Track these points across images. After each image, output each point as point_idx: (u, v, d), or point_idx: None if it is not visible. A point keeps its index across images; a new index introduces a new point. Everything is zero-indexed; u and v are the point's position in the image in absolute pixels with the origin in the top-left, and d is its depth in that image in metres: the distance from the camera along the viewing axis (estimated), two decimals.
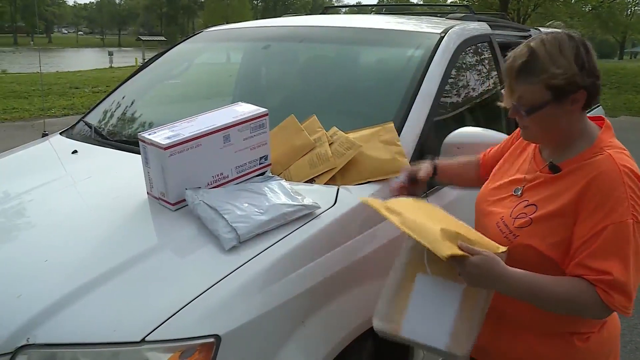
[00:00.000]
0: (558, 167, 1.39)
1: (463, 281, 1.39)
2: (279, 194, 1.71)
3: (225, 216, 1.57)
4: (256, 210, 1.62)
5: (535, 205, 1.40)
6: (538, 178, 1.44)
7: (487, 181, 1.63)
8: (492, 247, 1.36)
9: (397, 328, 1.45)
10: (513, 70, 1.35)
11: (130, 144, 2.26)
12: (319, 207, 1.68)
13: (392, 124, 1.99)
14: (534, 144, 1.52)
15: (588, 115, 1.45)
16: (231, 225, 1.54)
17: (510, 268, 1.32)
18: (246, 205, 1.64)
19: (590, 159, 1.34)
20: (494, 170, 1.64)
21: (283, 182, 1.80)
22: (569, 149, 1.40)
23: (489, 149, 1.81)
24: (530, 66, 1.32)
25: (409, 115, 2.08)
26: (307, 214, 1.65)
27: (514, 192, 1.48)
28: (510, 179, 1.53)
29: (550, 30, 1.43)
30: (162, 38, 54.69)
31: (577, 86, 1.30)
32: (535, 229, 1.37)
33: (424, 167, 1.78)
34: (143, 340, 1.26)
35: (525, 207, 1.42)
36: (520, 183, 1.48)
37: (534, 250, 1.36)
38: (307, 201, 1.67)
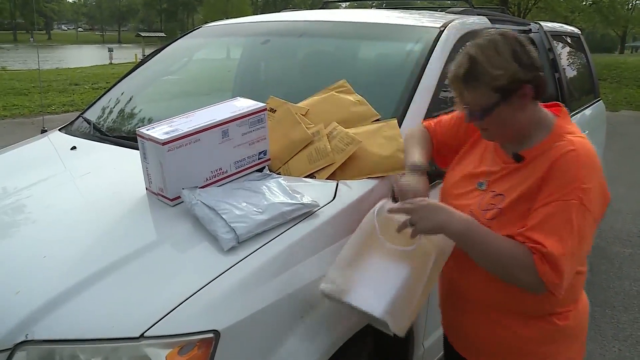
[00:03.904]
0: (521, 156, 1.44)
1: (413, 259, 1.48)
2: (278, 192, 1.70)
3: (224, 216, 1.56)
4: (255, 209, 1.60)
5: (502, 194, 1.44)
6: (503, 170, 1.48)
7: (448, 174, 1.67)
8: None
9: (341, 294, 1.49)
10: (458, 79, 1.40)
11: (129, 140, 2.26)
12: (318, 206, 1.67)
13: (395, 121, 1.99)
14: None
15: (556, 103, 1.51)
16: (230, 226, 1.52)
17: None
18: (244, 204, 1.63)
19: (552, 145, 1.39)
20: (453, 163, 1.67)
21: (281, 180, 1.79)
22: (529, 139, 1.44)
23: (436, 123, 1.83)
24: (472, 73, 1.37)
25: (408, 110, 2.08)
26: (306, 213, 1.64)
27: (478, 186, 1.52)
28: (472, 172, 1.56)
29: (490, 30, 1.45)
30: (162, 34, 54.60)
31: (521, 82, 1.35)
32: (506, 217, 1.41)
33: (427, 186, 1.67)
34: (142, 336, 1.26)
35: (493, 197, 1.46)
36: (484, 177, 1.52)
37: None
38: (306, 200, 1.66)
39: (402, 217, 1.45)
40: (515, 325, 1.49)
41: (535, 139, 1.44)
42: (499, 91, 1.35)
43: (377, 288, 1.49)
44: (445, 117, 1.82)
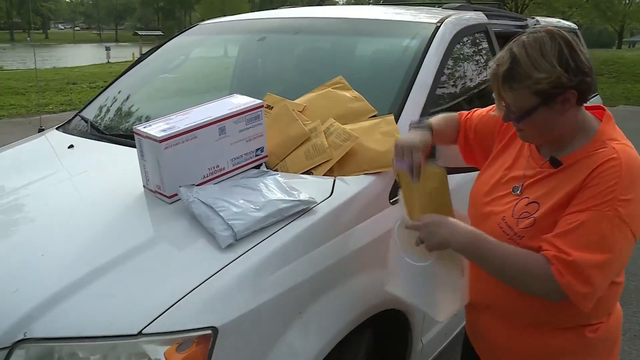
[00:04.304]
0: (559, 161, 1.36)
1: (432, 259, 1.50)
2: (275, 189, 1.70)
3: (221, 213, 1.56)
4: (252, 206, 1.60)
5: (537, 202, 1.37)
6: (538, 174, 1.40)
7: (479, 178, 1.61)
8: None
9: (395, 291, 1.61)
10: (498, 78, 1.33)
11: (126, 138, 2.26)
12: (315, 202, 1.67)
13: (392, 117, 1.98)
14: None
15: (587, 104, 1.42)
16: (227, 223, 1.52)
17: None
18: (242, 201, 1.63)
19: (593, 152, 1.31)
20: (484, 167, 1.62)
21: (278, 177, 1.79)
22: (569, 144, 1.37)
23: (468, 113, 1.77)
24: (513, 73, 1.29)
25: (405, 106, 2.07)
26: (303, 209, 1.64)
27: (513, 190, 1.45)
28: (506, 175, 1.50)
29: (537, 25, 1.39)
30: (160, 32, 54.47)
31: (564, 87, 1.26)
32: (540, 227, 1.34)
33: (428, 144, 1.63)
34: (140, 333, 1.26)
35: (527, 205, 1.39)
36: (519, 180, 1.45)
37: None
38: (303, 196, 1.66)
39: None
40: (546, 336, 1.43)
41: (575, 144, 1.35)
42: (539, 95, 1.27)
43: (419, 287, 1.57)
44: (479, 110, 1.75)
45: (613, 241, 1.24)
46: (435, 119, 1.73)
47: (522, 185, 1.43)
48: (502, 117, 1.39)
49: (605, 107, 1.44)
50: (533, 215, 1.36)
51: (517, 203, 1.41)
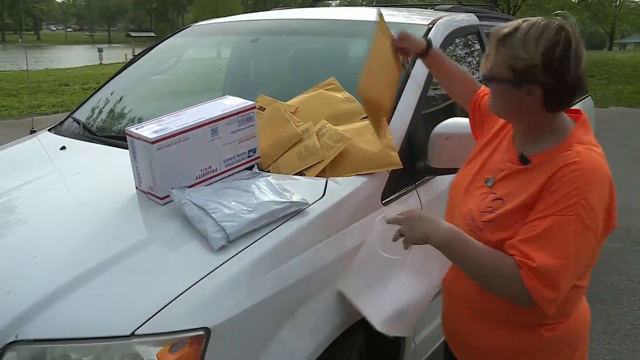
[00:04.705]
0: (528, 159, 1.39)
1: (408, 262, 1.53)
2: (267, 191, 1.70)
3: (213, 215, 1.56)
4: (244, 208, 1.60)
5: (502, 199, 1.40)
6: (508, 169, 1.44)
7: (461, 170, 1.64)
8: None
9: (351, 297, 1.62)
10: (494, 37, 1.38)
11: (118, 139, 2.26)
12: (307, 204, 1.68)
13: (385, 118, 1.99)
14: (509, 135, 1.51)
15: (577, 110, 1.44)
16: (219, 225, 1.52)
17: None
18: (234, 203, 1.63)
19: (559, 154, 1.33)
20: (468, 159, 1.64)
21: (270, 179, 1.79)
22: (539, 142, 1.39)
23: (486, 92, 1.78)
24: (507, 40, 1.33)
25: (397, 108, 2.08)
26: (295, 211, 1.64)
27: (486, 182, 1.48)
28: (485, 166, 1.53)
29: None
30: (152, 34, 54.32)
31: (533, 78, 1.29)
32: (500, 224, 1.37)
33: (418, 44, 1.81)
34: (133, 334, 1.26)
35: (493, 200, 1.42)
36: (492, 173, 1.48)
37: (502, 245, 1.35)
38: (296, 198, 1.66)
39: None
40: (504, 334, 1.46)
41: (546, 144, 1.37)
42: (513, 71, 1.32)
43: (378, 298, 1.57)
44: None
45: (577, 246, 1.26)
46: (448, 57, 1.84)
47: (495, 178, 1.47)
48: (481, 73, 1.45)
49: (582, 111, 1.46)
50: (496, 212, 1.39)
51: (485, 197, 1.45)
